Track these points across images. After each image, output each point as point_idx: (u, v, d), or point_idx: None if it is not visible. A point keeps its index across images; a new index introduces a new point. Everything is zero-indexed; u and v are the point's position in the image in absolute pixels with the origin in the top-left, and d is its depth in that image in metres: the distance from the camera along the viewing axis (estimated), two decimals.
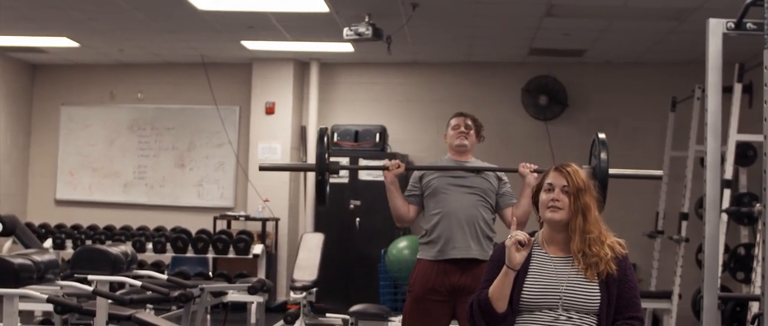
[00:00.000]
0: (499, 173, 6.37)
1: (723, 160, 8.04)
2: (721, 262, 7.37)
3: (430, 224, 6.10)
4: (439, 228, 6.03)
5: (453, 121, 6.38)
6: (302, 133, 12.83)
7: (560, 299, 3.99)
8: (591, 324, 4.02)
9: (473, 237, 6.00)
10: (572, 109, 12.30)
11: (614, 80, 12.30)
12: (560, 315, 3.99)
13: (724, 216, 8.49)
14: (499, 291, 4.03)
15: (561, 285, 4.02)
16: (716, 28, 4.48)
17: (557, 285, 4.02)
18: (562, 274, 4.04)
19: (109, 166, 13.47)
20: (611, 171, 6.20)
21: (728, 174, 8.62)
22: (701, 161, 9.86)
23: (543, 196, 4.12)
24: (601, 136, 6.21)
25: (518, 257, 3.98)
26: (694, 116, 10.30)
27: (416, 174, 6.35)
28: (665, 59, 11.77)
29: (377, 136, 12.10)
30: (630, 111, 12.26)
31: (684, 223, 10.32)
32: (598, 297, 4.01)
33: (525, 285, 4.05)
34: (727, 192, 8.58)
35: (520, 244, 3.98)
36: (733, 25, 4.35)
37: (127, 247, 7.53)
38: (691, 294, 10.34)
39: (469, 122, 6.33)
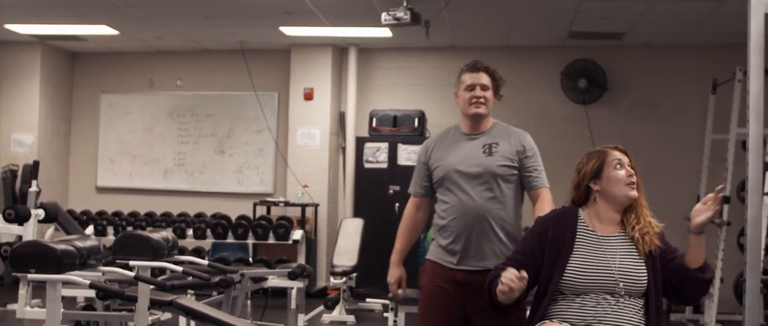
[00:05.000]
0: (521, 141, 5.13)
1: (765, 142, 7.96)
2: (763, 245, 7.32)
3: (443, 220, 5.16)
4: (453, 229, 5.08)
5: (466, 77, 5.19)
6: (341, 119, 12.84)
7: (616, 279, 3.92)
8: (637, 306, 3.95)
9: (489, 241, 5.00)
10: (612, 93, 12.23)
11: (654, 63, 12.22)
12: (613, 295, 3.92)
13: (767, 200, 8.41)
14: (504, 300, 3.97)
15: (613, 265, 3.96)
16: (758, 8, 4.44)
17: (609, 264, 3.96)
18: (613, 253, 3.99)
19: (149, 153, 13.55)
20: None
21: None
22: (743, 144, 9.78)
23: (617, 173, 4.07)
24: None
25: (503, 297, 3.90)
26: (734, 98, 10.21)
27: (422, 152, 5.33)
28: (705, 41, 11.68)
29: (416, 120, 12.08)
30: (670, 94, 12.18)
31: (725, 207, 10.24)
32: (645, 276, 3.96)
33: (570, 264, 3.98)
34: None
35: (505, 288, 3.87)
36: None
37: (167, 233, 7.56)
38: (733, 278, 10.28)
39: (486, 81, 5.13)
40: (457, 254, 5.05)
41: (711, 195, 4.01)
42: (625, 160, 4.11)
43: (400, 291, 5.54)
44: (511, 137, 5.11)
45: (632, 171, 4.09)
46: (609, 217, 4.08)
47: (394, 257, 5.58)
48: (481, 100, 5.08)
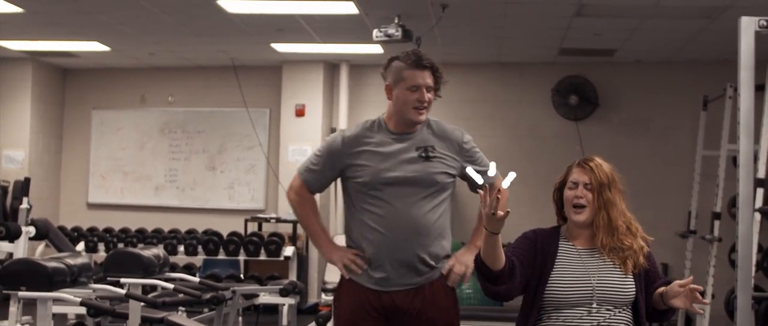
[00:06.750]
0: (458, 139, 4.60)
1: (756, 158, 7.97)
2: (754, 262, 7.32)
3: (365, 237, 4.48)
4: (380, 246, 4.43)
5: (409, 75, 4.59)
6: None
7: (593, 291, 3.87)
8: (626, 319, 3.94)
9: (420, 259, 4.42)
10: (603, 109, 12.24)
11: (645, 79, 12.24)
12: (592, 308, 3.89)
13: (757, 216, 8.41)
14: (488, 254, 3.78)
15: (592, 278, 3.93)
16: (748, 26, 4.45)
17: (588, 278, 3.92)
18: (592, 267, 3.95)
19: (140, 169, 13.53)
20: None
21: (761, 173, 8.54)
22: (733, 160, 9.80)
23: (567, 193, 4.00)
24: None
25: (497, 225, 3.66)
26: (725, 115, 10.23)
27: (336, 144, 4.66)
28: (696, 58, 11.70)
29: None
30: (661, 110, 12.20)
31: (716, 223, 10.24)
32: (633, 289, 3.93)
33: (551, 280, 3.93)
34: (759, 191, 8.49)
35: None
36: (765, 23, 4.32)
37: (158, 250, 7.54)
38: (725, 294, 10.28)
39: (431, 81, 4.62)
40: (384, 275, 4.42)
41: (691, 283, 3.88)
42: (583, 178, 3.97)
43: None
44: (447, 137, 4.58)
45: (584, 193, 3.96)
46: (580, 233, 4.03)
47: (325, 236, 4.78)
48: (426, 104, 4.54)
